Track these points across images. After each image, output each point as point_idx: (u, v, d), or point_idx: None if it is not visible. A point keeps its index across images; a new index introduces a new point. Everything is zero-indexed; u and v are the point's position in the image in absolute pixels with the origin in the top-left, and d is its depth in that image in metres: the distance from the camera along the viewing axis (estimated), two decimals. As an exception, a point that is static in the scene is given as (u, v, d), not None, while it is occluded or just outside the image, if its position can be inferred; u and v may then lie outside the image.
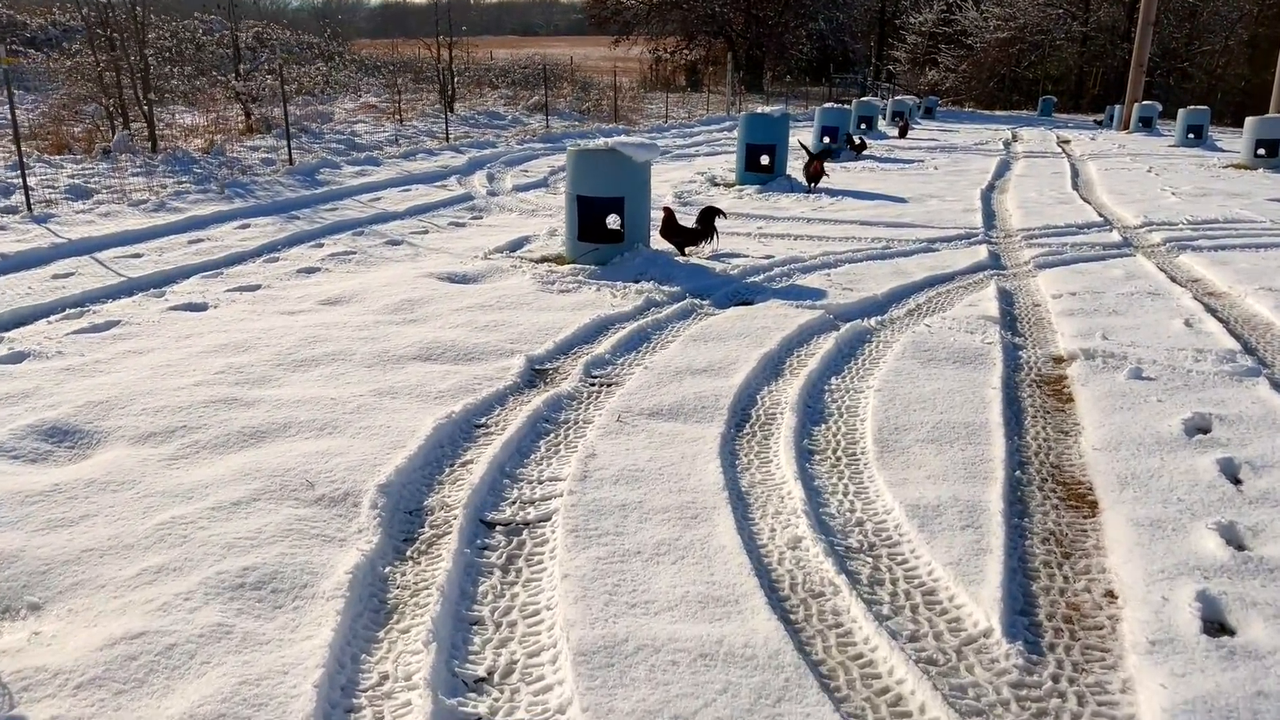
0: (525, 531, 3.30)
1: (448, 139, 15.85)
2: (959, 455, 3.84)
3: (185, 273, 7.20)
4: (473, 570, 3.05)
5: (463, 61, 34.49)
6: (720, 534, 3.17)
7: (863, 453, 3.95)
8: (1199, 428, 4.05)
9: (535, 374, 5.03)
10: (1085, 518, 3.38)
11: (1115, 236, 9.02)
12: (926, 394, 4.53)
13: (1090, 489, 3.59)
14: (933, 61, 52.58)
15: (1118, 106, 32.95)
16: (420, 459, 3.80)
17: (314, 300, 6.46)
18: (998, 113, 44.10)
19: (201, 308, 6.27)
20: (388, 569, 3.04)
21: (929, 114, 35.17)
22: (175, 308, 6.23)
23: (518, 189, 12.38)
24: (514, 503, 3.51)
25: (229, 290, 6.73)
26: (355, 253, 8.14)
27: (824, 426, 4.26)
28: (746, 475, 3.76)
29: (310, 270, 7.46)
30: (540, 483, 3.67)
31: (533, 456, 3.94)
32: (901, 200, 11.57)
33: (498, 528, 3.33)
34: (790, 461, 3.78)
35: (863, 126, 22.88)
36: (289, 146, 12.10)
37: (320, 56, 29.81)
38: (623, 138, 7.44)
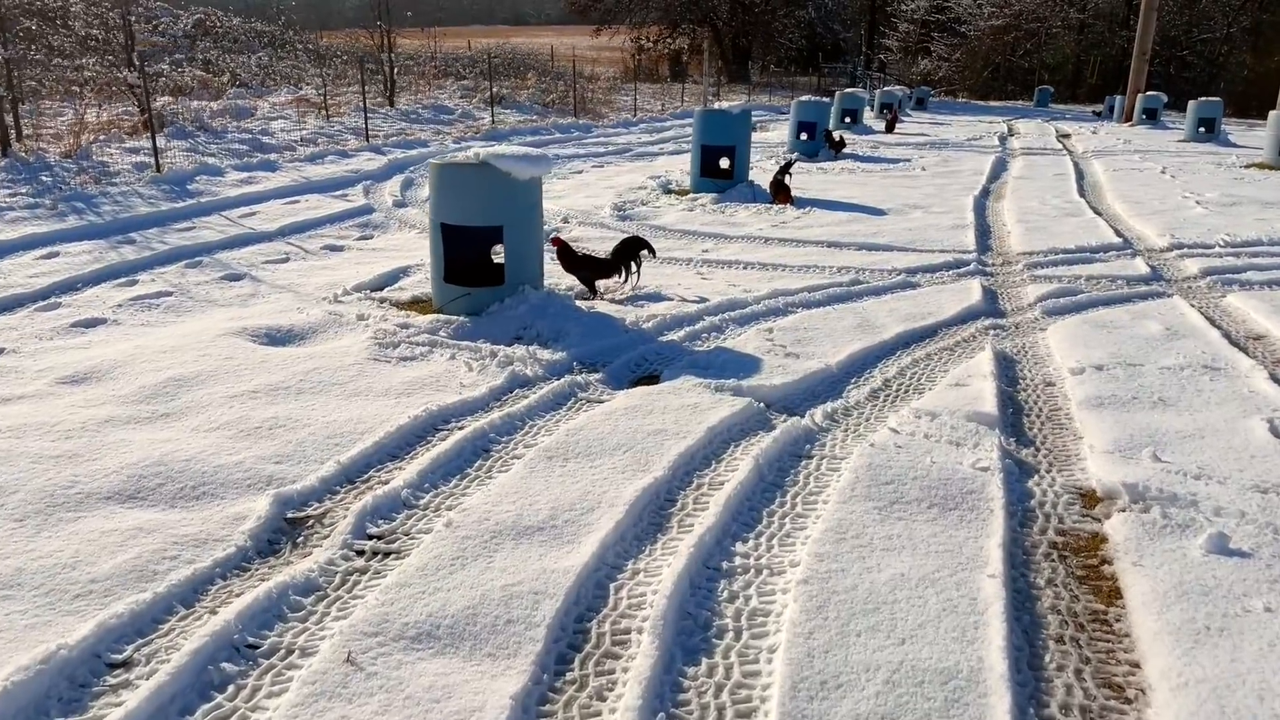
0: None
1: (367, 138, 14.00)
2: (929, 768, 2.07)
3: (-90, 330, 5.40)
4: None
5: (429, 50, 32.64)
6: None
7: (757, 748, 2.18)
8: (1358, 693, 2.29)
9: (285, 528, 3.26)
10: None
11: (1140, 266, 7.25)
12: (882, 589, 2.76)
13: None
14: (925, 50, 50.70)
15: (1118, 97, 31.18)
16: (-83, 790, 2.03)
17: (53, 377, 4.66)
18: (992, 103, 42.33)
19: (-120, 393, 4.47)
20: None
21: (921, 105, 33.38)
22: None
23: (434, 198, 10.56)
24: None
25: (-52, 360, 4.94)
26: (173, 293, 6.34)
27: (702, 668, 2.49)
28: (526, 824, 1.99)
29: (91, 323, 5.66)
30: None
31: (152, 764, 2.16)
32: (880, 213, 9.79)
33: None
34: (613, 790, 2.01)
35: (847, 120, 21.10)
36: (154, 150, 10.23)
37: (270, 44, 27.91)
38: (500, 147, 5.65)
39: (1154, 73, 36.50)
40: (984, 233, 8.91)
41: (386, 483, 3.55)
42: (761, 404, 4.31)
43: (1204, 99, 20.72)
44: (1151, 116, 26.21)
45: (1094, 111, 34.62)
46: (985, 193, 11.67)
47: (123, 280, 6.64)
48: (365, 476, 3.63)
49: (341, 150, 12.87)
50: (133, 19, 15.18)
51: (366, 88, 20.63)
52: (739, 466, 3.62)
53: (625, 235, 6.62)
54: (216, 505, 3.35)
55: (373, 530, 3.19)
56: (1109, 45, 47.24)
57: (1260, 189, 11.75)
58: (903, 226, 8.93)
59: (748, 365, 4.82)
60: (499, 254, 5.91)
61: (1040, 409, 4.30)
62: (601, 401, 4.37)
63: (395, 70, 19.24)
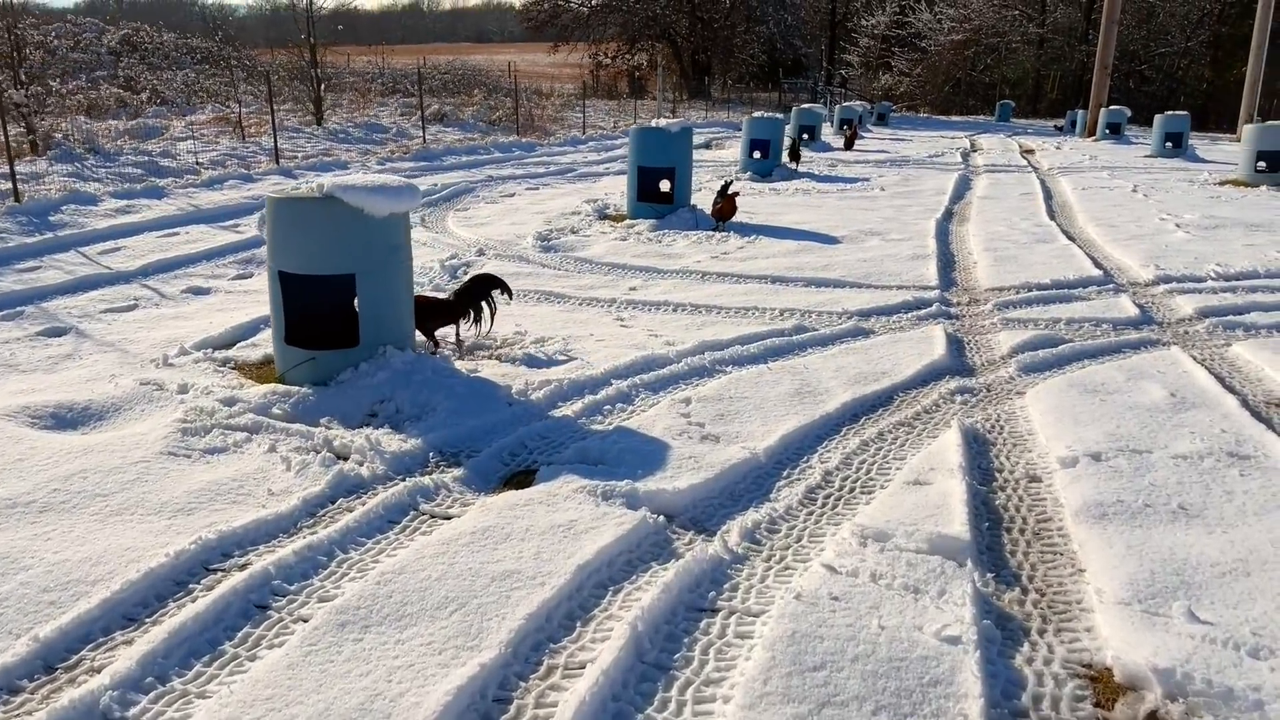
0: None
1: (277, 160, 12.85)
2: None
3: None
4: None
5: (378, 66, 31.50)
6: None
7: None
8: None
9: (-97, 769, 2.14)
10: None
11: (1127, 305, 6.31)
12: None
13: None
14: (886, 66, 50.30)
15: (1080, 111, 30.66)
16: None
17: None
18: (954, 118, 41.92)
19: None
20: None
21: (882, 120, 32.72)
22: None
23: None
24: None
25: None
26: (-33, 356, 5.18)
27: None
28: None
29: None
30: None
31: None
32: (833, 240, 8.81)
33: None
34: None
35: (804, 137, 20.23)
36: (13, 175, 9.02)
37: (202, 60, 26.63)
38: (353, 176, 4.57)
39: (1113, 87, 36.12)
40: (947, 264, 7.95)
41: (98, 670, 2.45)
42: (661, 517, 3.26)
43: (1170, 113, 20.07)
44: (1115, 131, 25.63)
45: (1056, 126, 34.17)
46: (948, 215, 10.76)
47: (-88, 339, 5.47)
48: (73, 660, 2.52)
49: (247, 174, 11.70)
50: (19, 31, 13.88)
51: (296, 106, 19.49)
52: (609, 636, 2.56)
53: (477, 273, 5.55)
54: None
55: (29, 777, 2.08)
56: (1068, 59, 47.08)
57: (1241, 209, 10.94)
58: (857, 257, 7.95)
59: (651, 456, 3.76)
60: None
61: (1025, 521, 3.27)
62: (448, 517, 3.29)
63: (324, 86, 18.08)
